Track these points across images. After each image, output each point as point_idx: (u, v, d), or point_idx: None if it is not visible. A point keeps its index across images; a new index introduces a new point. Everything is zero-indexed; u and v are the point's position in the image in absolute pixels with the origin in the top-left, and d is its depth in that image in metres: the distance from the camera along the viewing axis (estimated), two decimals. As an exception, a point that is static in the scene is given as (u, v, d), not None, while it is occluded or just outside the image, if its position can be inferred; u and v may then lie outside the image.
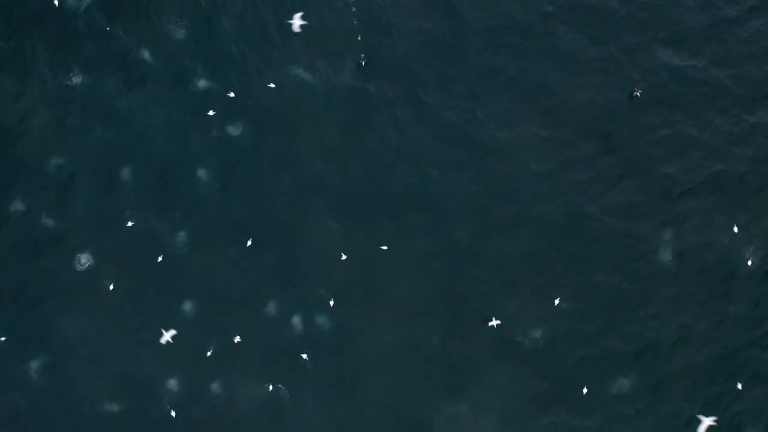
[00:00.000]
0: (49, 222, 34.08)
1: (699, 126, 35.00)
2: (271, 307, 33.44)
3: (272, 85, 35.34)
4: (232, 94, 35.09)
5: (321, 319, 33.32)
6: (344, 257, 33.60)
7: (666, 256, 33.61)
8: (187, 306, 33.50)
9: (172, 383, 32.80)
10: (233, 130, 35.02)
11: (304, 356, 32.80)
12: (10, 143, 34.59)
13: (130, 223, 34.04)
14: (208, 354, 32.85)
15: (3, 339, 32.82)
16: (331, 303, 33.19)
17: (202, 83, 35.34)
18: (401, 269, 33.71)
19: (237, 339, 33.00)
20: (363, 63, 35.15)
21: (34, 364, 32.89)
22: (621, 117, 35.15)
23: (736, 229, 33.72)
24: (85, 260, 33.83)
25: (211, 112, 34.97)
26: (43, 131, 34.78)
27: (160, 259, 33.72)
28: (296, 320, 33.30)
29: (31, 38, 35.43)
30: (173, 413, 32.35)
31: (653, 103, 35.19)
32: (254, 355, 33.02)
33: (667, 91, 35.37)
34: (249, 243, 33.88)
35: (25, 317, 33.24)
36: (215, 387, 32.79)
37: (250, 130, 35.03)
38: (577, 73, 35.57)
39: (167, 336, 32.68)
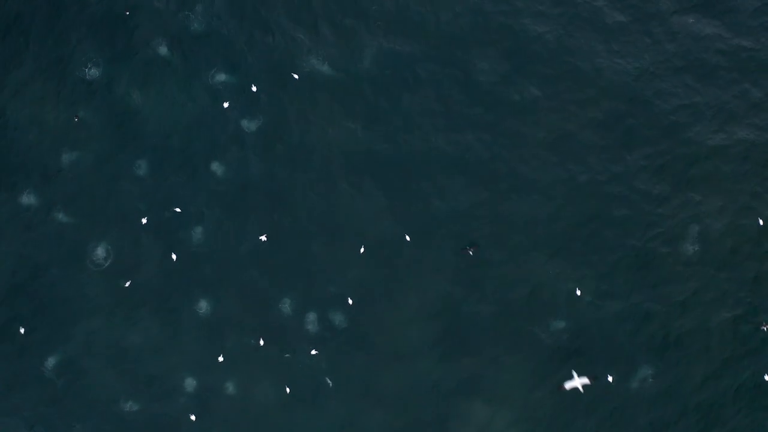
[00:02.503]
0: (62, 218, 33.64)
1: (724, 95, 32.98)
2: (287, 305, 32.39)
3: (296, 76, 34.26)
4: (254, 88, 34.15)
5: (337, 316, 32.20)
6: (362, 250, 32.45)
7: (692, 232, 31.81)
8: (203, 304, 32.70)
9: (188, 382, 32.07)
10: (250, 125, 34.09)
11: (320, 356, 31.82)
12: (23, 137, 34.31)
13: (144, 220, 33.34)
14: (224, 352, 32.07)
15: (23, 331, 32.61)
16: (350, 301, 32.06)
17: (219, 76, 34.54)
18: (420, 262, 32.37)
19: (253, 337, 32.13)
20: (471, 252, 32.20)
21: (50, 362, 32.48)
22: (645, 84, 33.30)
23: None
24: (99, 257, 33.22)
25: (226, 105, 34.12)
26: (55, 125, 34.37)
27: (174, 257, 32.91)
28: (312, 317, 32.23)
29: (44, 31, 35.21)
30: (188, 412, 31.68)
31: (678, 70, 33.35)
32: (270, 353, 32.02)
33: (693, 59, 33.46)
34: (263, 238, 32.88)
35: (37, 315, 32.81)
36: (231, 386, 31.97)
37: (266, 124, 34.04)
38: (603, 39, 33.87)
39: None
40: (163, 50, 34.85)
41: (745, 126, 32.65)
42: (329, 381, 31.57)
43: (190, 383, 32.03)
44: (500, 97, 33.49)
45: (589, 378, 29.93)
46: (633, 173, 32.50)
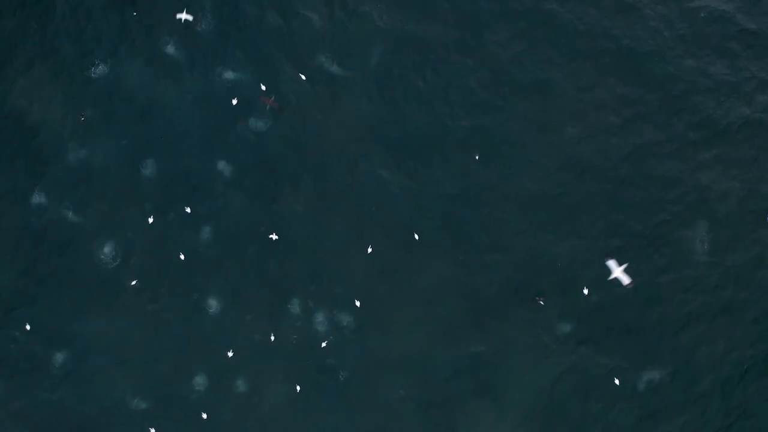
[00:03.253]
0: (70, 216, 33.63)
1: (735, 79, 32.88)
2: (295, 304, 32.38)
3: (302, 77, 34.19)
4: (263, 87, 34.09)
5: (345, 316, 32.18)
6: (370, 249, 32.39)
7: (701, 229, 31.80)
8: (211, 303, 32.68)
9: (195, 381, 32.07)
10: (259, 124, 34.03)
11: (328, 355, 31.89)
12: (30, 136, 34.30)
13: (150, 219, 33.30)
14: (232, 352, 32.03)
15: (28, 327, 32.62)
16: (357, 303, 32.02)
17: (228, 75, 34.52)
18: (428, 262, 32.34)
19: (260, 337, 32.10)
20: (541, 302, 31.78)
21: (55, 360, 32.51)
22: (656, 67, 33.35)
23: None
24: (106, 256, 33.21)
25: (235, 102, 34.06)
26: (63, 124, 34.37)
27: (182, 256, 32.86)
28: (320, 317, 32.22)
29: (52, 28, 35.22)
30: (198, 409, 31.66)
31: (690, 54, 33.32)
32: (278, 353, 32.03)
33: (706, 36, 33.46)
34: (274, 237, 32.80)
35: (45, 313, 32.84)
36: (239, 385, 31.97)
37: (276, 124, 33.98)
38: (615, 22, 33.95)
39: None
40: (171, 46, 34.86)
41: (756, 110, 32.60)
42: (341, 375, 31.58)
43: (199, 381, 32.02)
44: (512, 81, 33.51)
45: None
46: (642, 157, 32.48)
